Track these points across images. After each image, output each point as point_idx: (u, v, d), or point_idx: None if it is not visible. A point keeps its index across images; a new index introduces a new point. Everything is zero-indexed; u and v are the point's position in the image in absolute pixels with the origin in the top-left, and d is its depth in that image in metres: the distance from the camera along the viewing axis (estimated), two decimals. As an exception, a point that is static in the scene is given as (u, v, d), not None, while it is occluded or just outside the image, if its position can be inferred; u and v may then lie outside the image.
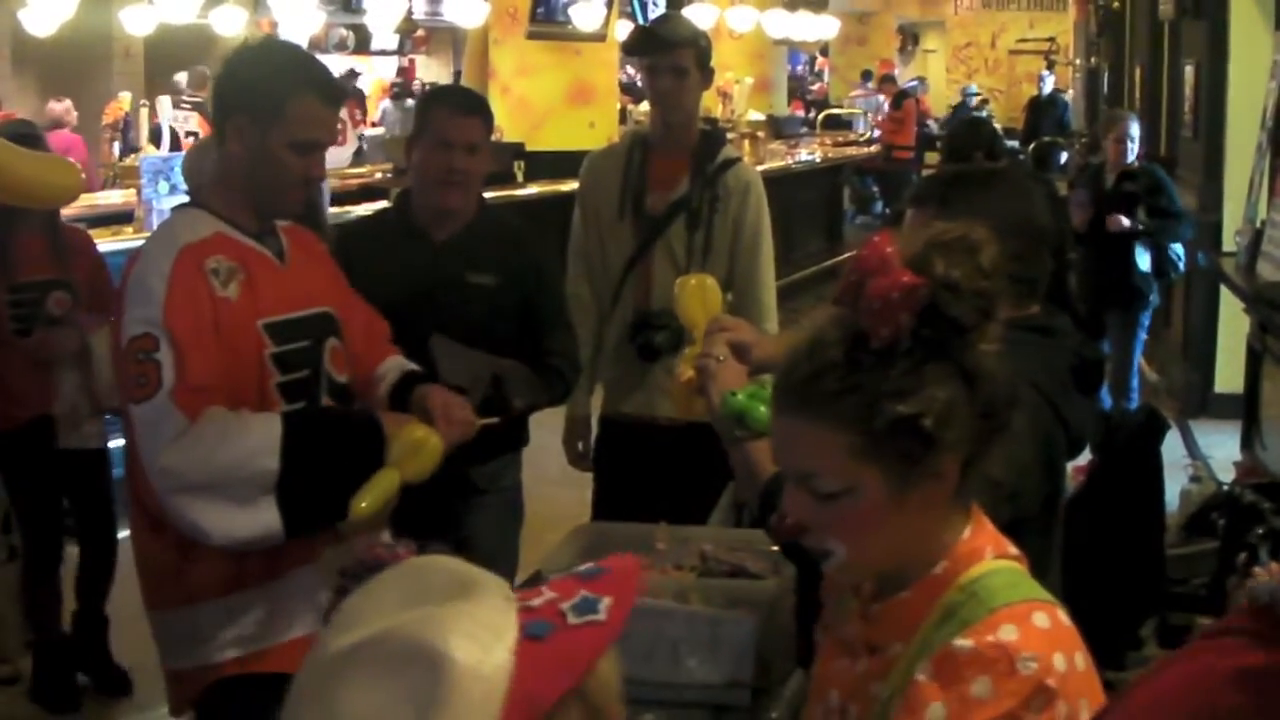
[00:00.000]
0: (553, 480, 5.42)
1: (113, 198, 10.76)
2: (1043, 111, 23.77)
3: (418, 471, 3.24)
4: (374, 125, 20.37)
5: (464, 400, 3.45)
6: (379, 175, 12.81)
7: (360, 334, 3.61)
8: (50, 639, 5.74)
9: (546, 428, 4.73)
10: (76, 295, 5.48)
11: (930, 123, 24.67)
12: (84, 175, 2.88)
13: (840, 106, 26.92)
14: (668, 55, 4.71)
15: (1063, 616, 1.84)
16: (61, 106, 13.64)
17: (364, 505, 3.14)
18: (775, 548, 3.00)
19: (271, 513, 3.06)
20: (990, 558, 1.90)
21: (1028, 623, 1.79)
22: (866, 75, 27.75)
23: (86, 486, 5.74)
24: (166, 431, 3.03)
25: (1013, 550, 1.93)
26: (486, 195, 4.52)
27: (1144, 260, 8.95)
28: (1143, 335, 9.49)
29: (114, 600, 5.71)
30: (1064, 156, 15.31)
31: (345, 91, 3.76)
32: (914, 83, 26.44)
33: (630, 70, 19.50)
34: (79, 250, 5.63)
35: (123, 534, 5.26)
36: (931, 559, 1.89)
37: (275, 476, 3.05)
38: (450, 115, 4.25)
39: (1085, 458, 6.17)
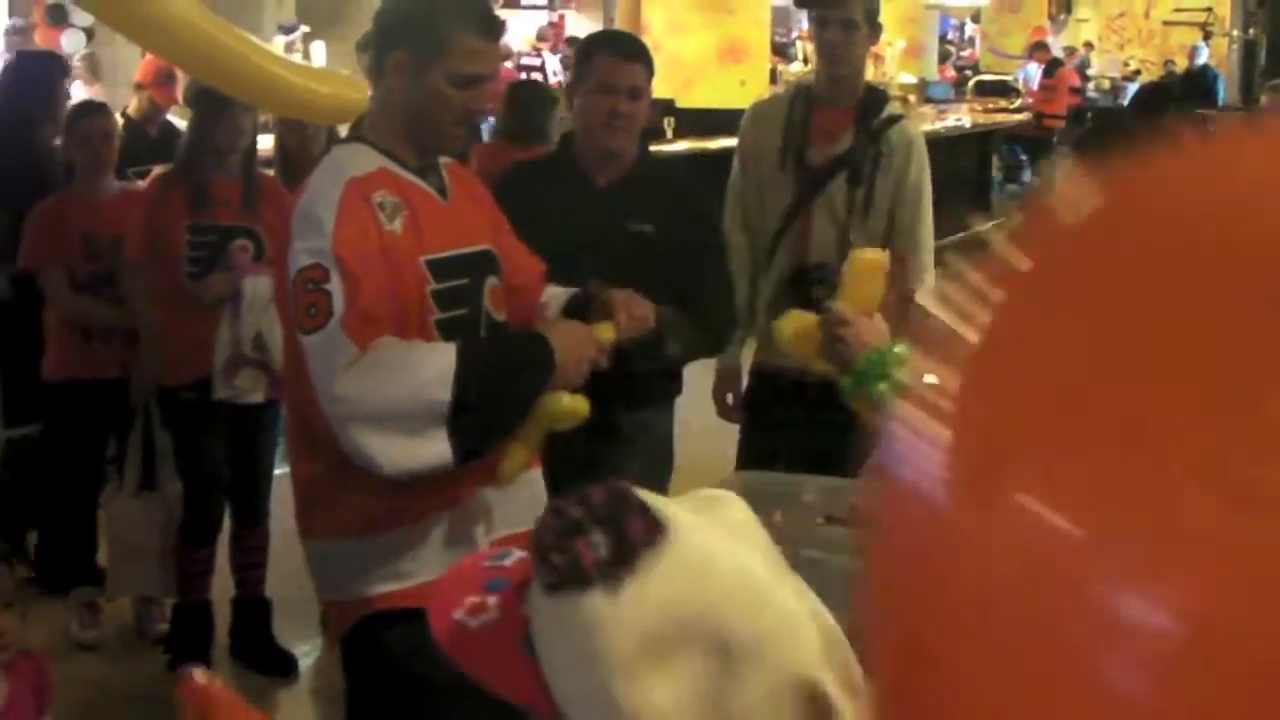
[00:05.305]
0: (695, 434, 5.41)
1: (266, 142, 10.81)
2: (1194, 84, 23.33)
3: (564, 427, 3.33)
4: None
5: (643, 299, 3.47)
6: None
7: (522, 269, 3.63)
8: (192, 604, 5.64)
9: (692, 383, 4.72)
10: (260, 244, 5.37)
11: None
12: (368, 89, 2.98)
13: (991, 72, 26.58)
14: (838, 8, 4.66)
15: None
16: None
17: (508, 473, 3.28)
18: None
19: (442, 443, 3.06)
20: None
21: None
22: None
23: (238, 444, 5.59)
24: (339, 360, 3.03)
25: None
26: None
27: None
28: None
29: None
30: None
31: (503, 25, 3.78)
32: (1062, 53, 25.96)
33: (780, 32, 19.41)
34: (271, 199, 5.43)
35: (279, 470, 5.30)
36: None
37: (447, 408, 3.05)
38: (613, 60, 4.25)
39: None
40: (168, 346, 5.46)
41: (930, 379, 0.82)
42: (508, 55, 16.81)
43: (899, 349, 2.67)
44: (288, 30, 16.43)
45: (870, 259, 3.02)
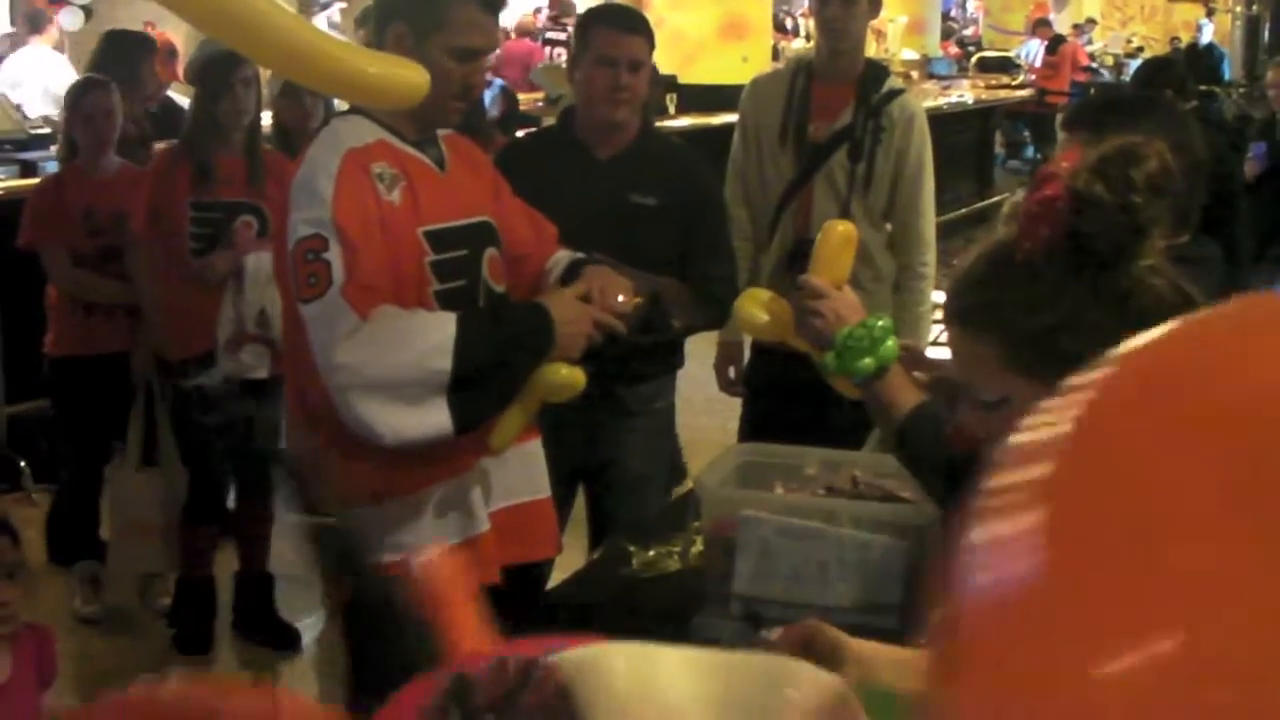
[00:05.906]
0: (697, 409, 5.43)
1: (269, 119, 10.79)
2: (1198, 61, 23.29)
3: (560, 399, 3.33)
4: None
5: (627, 286, 3.43)
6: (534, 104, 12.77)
7: (529, 235, 3.62)
8: (196, 579, 5.63)
9: (693, 356, 4.73)
10: (265, 220, 5.32)
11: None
12: (428, 74, 3.03)
13: (993, 49, 26.56)
14: None
15: None
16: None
17: (500, 443, 3.29)
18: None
19: (442, 413, 3.06)
20: None
21: None
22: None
23: (241, 418, 5.52)
24: (340, 328, 3.02)
25: None
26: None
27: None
28: None
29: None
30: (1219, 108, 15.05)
31: (504, -2, 3.81)
32: (1070, 30, 25.96)
33: (782, 8, 19.36)
34: (276, 175, 5.27)
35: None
36: None
37: (448, 377, 3.05)
38: (612, 33, 4.25)
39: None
40: (171, 322, 5.45)
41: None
42: (529, 30, 16.75)
43: (881, 323, 2.67)
44: (323, 6, 16.43)
45: (843, 230, 3.01)
